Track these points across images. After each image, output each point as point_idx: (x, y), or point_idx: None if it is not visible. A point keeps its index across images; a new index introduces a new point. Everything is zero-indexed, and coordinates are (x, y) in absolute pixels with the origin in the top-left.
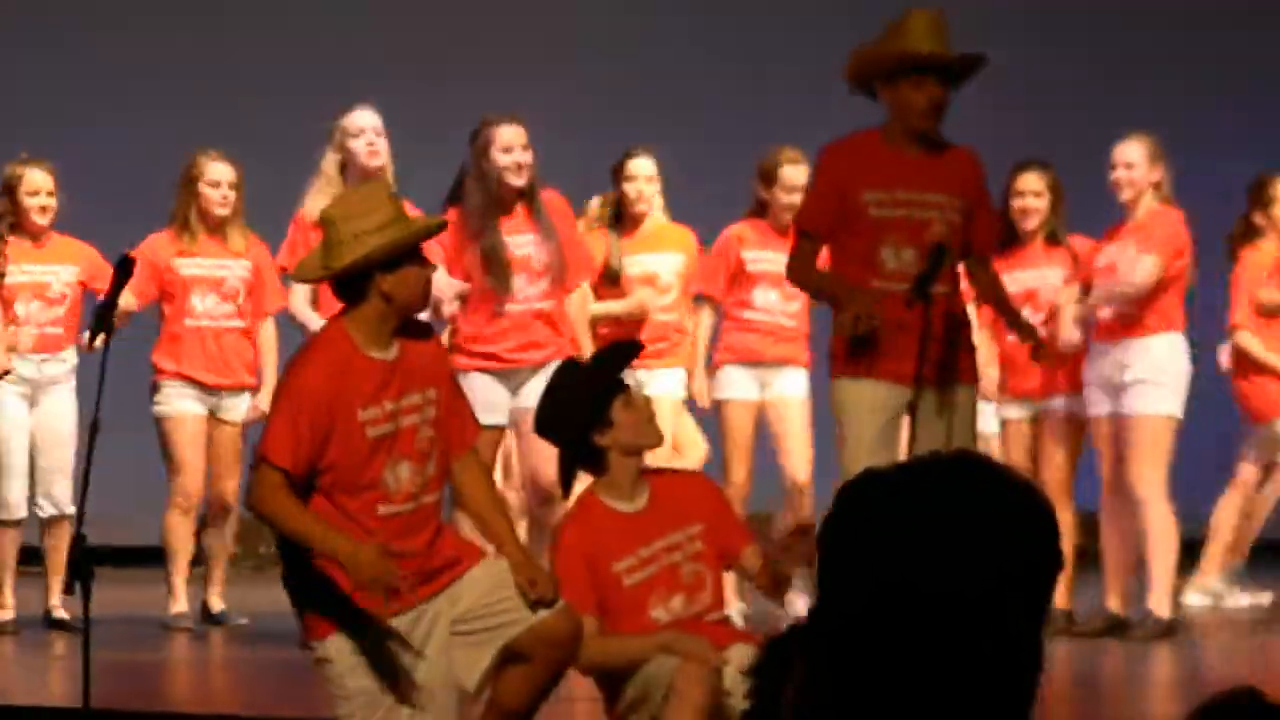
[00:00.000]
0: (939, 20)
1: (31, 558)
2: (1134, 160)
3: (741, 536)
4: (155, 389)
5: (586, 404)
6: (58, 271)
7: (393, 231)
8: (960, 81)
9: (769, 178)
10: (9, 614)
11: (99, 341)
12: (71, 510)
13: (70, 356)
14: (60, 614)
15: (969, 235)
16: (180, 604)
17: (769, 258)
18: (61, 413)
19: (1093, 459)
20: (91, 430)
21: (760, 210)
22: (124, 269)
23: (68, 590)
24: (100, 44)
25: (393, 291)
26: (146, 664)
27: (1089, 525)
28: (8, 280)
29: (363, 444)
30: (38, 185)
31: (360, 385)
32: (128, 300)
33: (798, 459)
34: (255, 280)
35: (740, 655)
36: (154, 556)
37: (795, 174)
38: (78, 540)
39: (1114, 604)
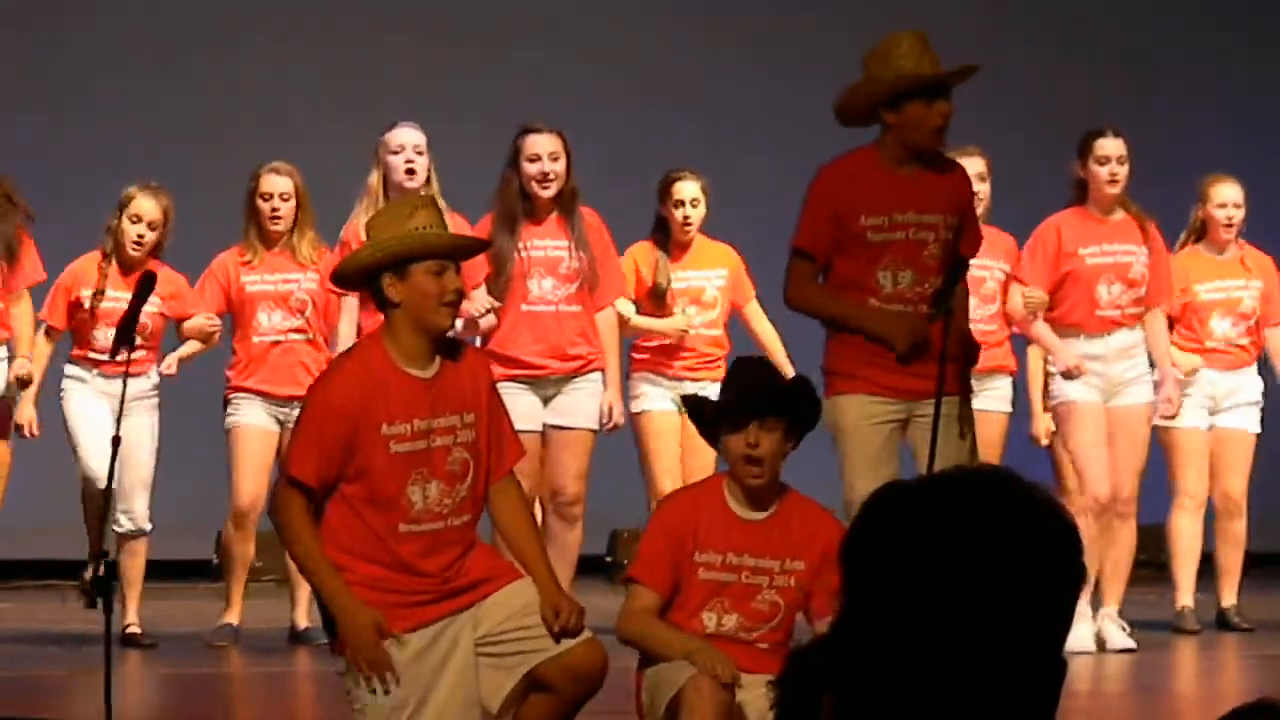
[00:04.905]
0: (925, 38)
1: (42, 571)
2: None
3: (832, 602)
4: (227, 402)
5: (726, 409)
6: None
7: (406, 238)
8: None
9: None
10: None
11: (121, 354)
12: (149, 526)
13: (153, 375)
14: (134, 629)
15: (957, 247)
16: (229, 615)
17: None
18: (141, 428)
19: None
20: (114, 444)
21: None
22: (145, 285)
23: (90, 605)
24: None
25: (401, 298)
26: (168, 678)
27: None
28: (86, 304)
29: (386, 459)
30: (140, 213)
31: (389, 399)
32: (211, 321)
33: None
34: (325, 292)
35: (759, 684)
36: (183, 571)
37: None
38: (99, 557)
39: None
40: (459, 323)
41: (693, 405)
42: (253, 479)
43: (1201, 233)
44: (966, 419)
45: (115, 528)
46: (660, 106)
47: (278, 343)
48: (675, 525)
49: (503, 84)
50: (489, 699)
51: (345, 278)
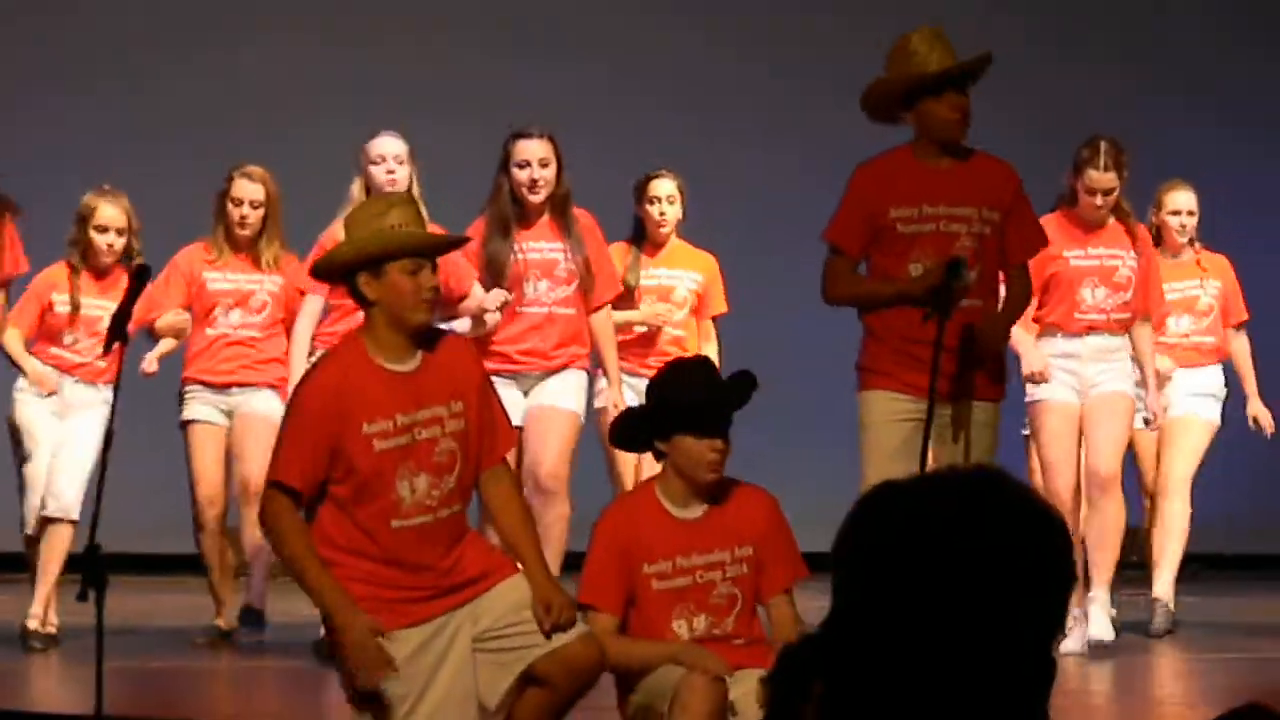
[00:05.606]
0: (940, 33)
1: (17, 565)
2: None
3: (782, 575)
4: (180, 399)
5: (668, 409)
6: (110, 308)
7: (381, 237)
8: (972, 83)
9: None
10: (50, 628)
11: (114, 350)
12: (76, 516)
13: (106, 390)
14: (35, 625)
15: (1003, 245)
16: (216, 619)
17: None
18: (88, 427)
19: None
20: (106, 439)
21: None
22: (139, 278)
23: (81, 597)
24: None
25: (378, 297)
26: (159, 672)
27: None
28: (58, 309)
29: (370, 457)
30: (107, 222)
31: (367, 398)
32: (180, 316)
33: None
34: (287, 296)
35: (750, 679)
36: (174, 565)
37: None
38: (92, 548)
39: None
40: (466, 321)
41: (635, 413)
42: (207, 480)
43: (1157, 239)
44: (962, 424)
45: (41, 511)
46: (660, 106)
47: (227, 335)
48: (617, 541)
49: (503, 84)
50: (486, 695)
51: (322, 274)
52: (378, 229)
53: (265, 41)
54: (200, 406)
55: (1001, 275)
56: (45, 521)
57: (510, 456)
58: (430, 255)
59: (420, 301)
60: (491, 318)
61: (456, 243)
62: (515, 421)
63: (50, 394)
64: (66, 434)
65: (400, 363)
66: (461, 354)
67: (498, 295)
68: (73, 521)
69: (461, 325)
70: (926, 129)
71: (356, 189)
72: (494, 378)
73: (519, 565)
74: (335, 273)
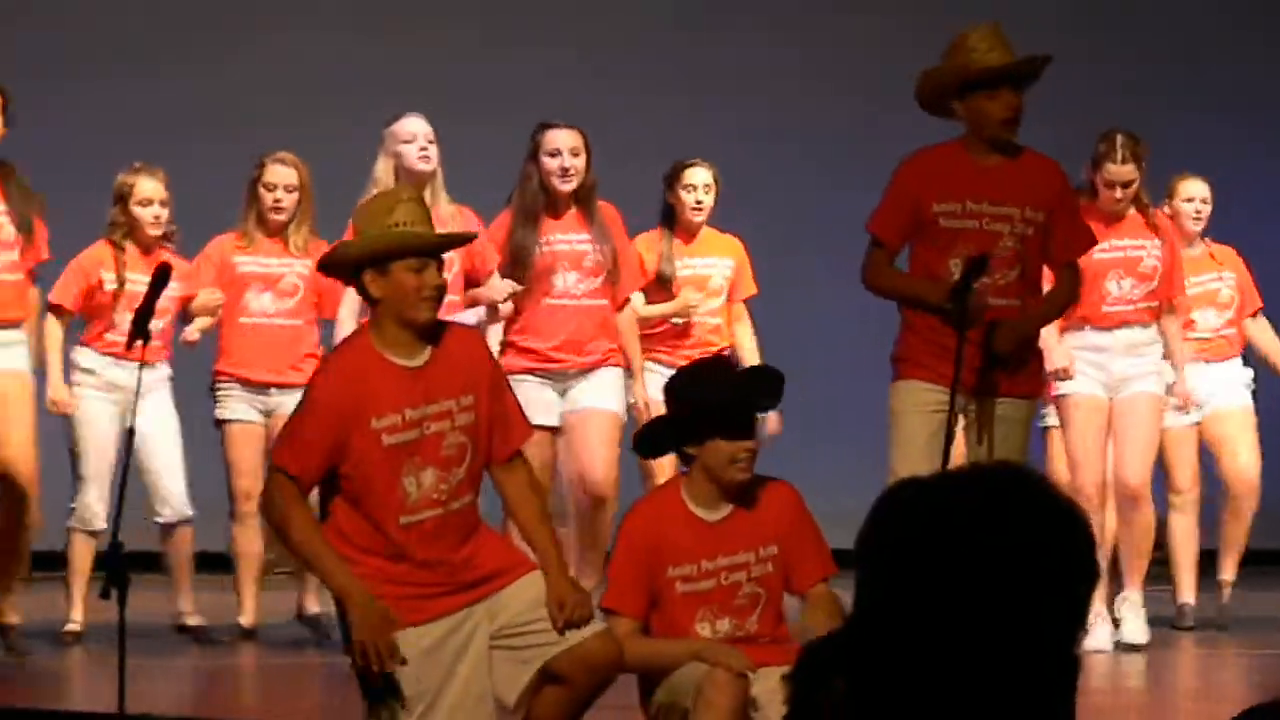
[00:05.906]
0: (999, 30)
1: (50, 563)
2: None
3: (814, 569)
4: (215, 388)
5: (696, 414)
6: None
7: (387, 236)
8: (1029, 84)
9: None
10: (77, 626)
11: (136, 347)
12: (191, 512)
13: (165, 367)
14: (191, 620)
15: (1047, 245)
16: (243, 615)
17: None
18: (162, 416)
19: None
20: (128, 436)
21: None
22: (161, 278)
23: (104, 595)
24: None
25: (383, 294)
26: (182, 670)
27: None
28: (107, 288)
29: (378, 452)
30: (150, 195)
31: (377, 393)
32: (213, 294)
33: None
34: (317, 282)
35: (772, 677)
36: (198, 563)
37: None
38: (114, 546)
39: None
40: (481, 310)
41: (661, 421)
42: (246, 473)
43: None
44: (990, 419)
45: (156, 519)
46: (669, 97)
47: (261, 325)
48: (642, 544)
49: (509, 79)
50: (505, 692)
51: (330, 271)
52: (383, 227)
53: (264, 42)
54: (237, 405)
55: (1050, 274)
56: (164, 529)
57: (538, 459)
58: (434, 254)
59: (423, 299)
60: (504, 308)
61: (461, 240)
62: (551, 422)
63: (63, 414)
64: (146, 430)
65: (409, 358)
66: (472, 347)
67: (505, 285)
68: (189, 519)
69: (476, 316)
70: (977, 125)
71: (383, 170)
72: (529, 378)
73: (537, 563)
74: (343, 270)
